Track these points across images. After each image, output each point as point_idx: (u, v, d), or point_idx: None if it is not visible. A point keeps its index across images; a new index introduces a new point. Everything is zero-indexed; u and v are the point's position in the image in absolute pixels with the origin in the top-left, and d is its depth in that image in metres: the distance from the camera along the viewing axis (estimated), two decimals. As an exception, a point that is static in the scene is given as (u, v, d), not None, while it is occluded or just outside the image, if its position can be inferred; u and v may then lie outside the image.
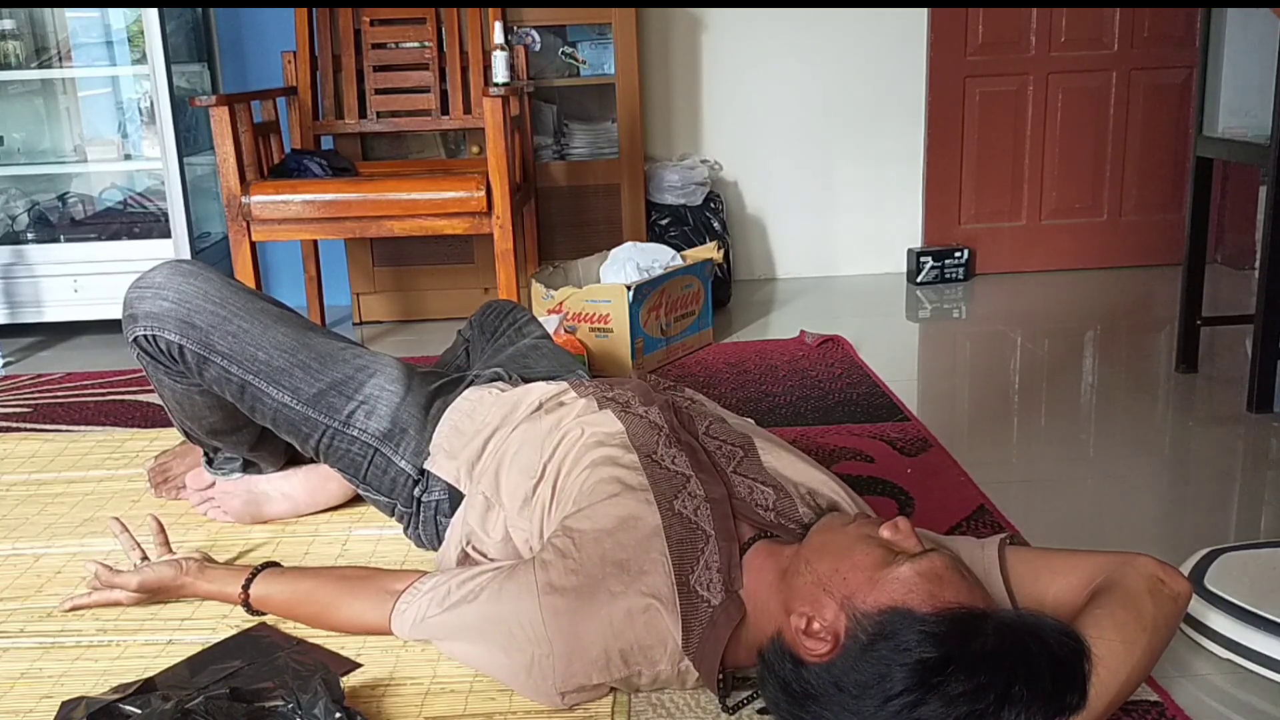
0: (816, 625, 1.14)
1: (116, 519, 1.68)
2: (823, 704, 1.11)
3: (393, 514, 1.69)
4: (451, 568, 1.52)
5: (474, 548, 1.54)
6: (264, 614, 1.53)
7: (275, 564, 1.56)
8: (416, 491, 1.64)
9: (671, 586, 1.26)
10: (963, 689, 1.04)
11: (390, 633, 1.43)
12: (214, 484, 1.89)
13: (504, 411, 1.62)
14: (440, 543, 1.63)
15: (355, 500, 1.94)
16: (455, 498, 1.60)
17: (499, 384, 1.72)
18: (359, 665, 1.41)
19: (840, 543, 1.21)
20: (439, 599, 1.37)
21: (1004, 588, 1.27)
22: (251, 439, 1.78)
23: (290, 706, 1.19)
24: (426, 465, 1.61)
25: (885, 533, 1.19)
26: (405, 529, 1.70)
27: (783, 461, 1.44)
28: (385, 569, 1.56)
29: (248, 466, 1.87)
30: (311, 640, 1.47)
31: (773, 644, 1.19)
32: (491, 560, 1.51)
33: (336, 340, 1.69)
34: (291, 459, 1.90)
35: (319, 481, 1.89)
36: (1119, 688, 1.18)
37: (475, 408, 1.65)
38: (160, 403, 1.81)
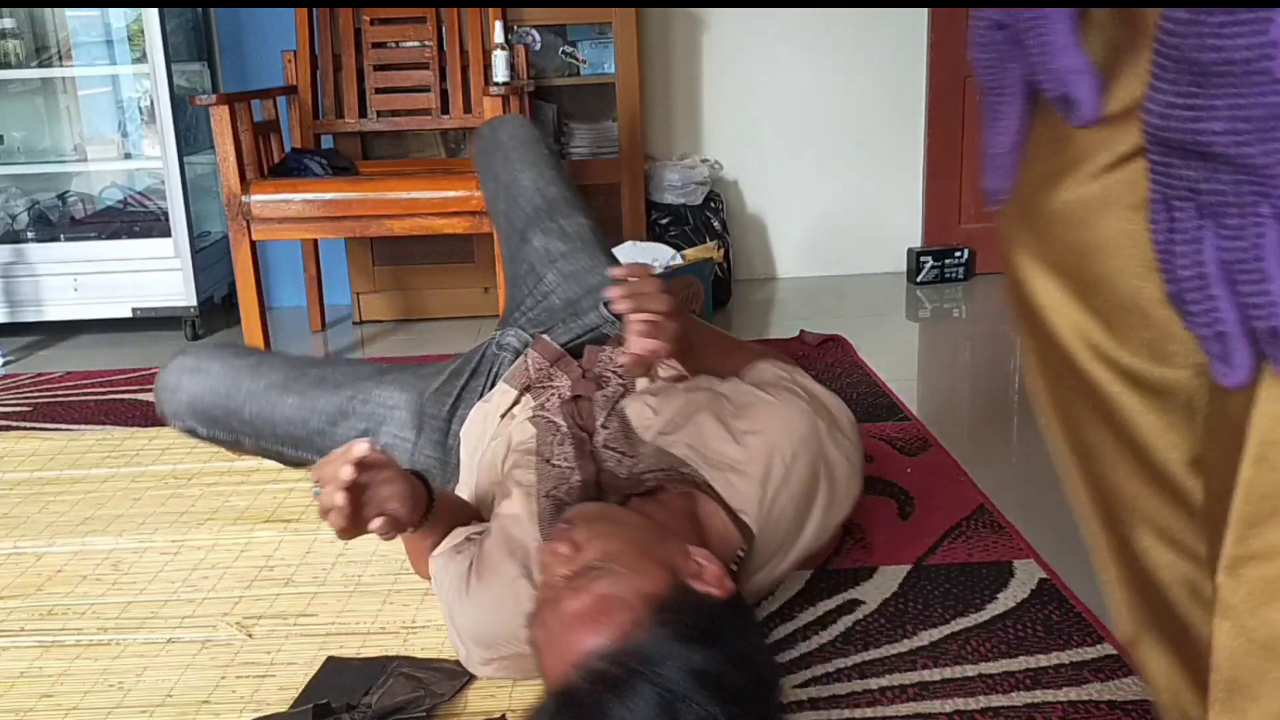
0: None
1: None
2: None
3: None
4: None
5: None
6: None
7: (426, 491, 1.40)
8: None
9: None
10: None
11: None
12: None
13: (487, 433, 1.64)
14: None
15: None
16: None
17: (492, 395, 1.71)
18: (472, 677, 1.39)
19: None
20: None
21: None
22: None
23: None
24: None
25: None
26: None
27: (694, 433, 1.46)
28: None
29: None
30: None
31: None
32: None
33: (344, 389, 1.75)
34: None
35: None
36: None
37: (469, 431, 1.68)
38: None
